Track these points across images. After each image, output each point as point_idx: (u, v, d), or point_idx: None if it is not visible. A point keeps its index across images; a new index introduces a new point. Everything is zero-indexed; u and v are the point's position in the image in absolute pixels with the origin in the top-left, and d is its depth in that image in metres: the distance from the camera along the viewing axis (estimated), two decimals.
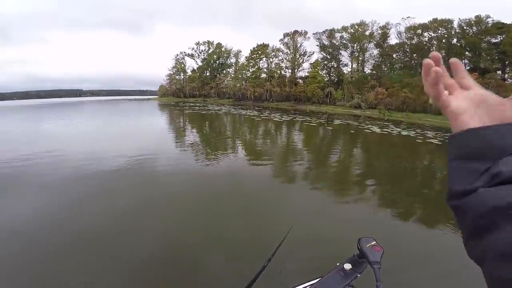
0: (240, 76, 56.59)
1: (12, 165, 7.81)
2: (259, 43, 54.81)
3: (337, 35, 48.72)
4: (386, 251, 0.96)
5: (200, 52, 62.28)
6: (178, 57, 62.45)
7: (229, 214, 4.91)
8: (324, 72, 50.25)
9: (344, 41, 48.41)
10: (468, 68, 39.39)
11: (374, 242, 1.02)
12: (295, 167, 8.73)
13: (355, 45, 47.42)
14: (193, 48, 62.26)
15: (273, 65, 54.62)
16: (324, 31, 49.75)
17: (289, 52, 52.85)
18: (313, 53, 51.66)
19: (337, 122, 24.39)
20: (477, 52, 38.36)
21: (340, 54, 49.45)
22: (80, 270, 3.27)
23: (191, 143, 12.06)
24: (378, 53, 46.59)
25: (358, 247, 1.02)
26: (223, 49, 60.63)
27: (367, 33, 46.15)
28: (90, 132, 15.58)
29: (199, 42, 62.13)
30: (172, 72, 62.76)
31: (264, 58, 54.74)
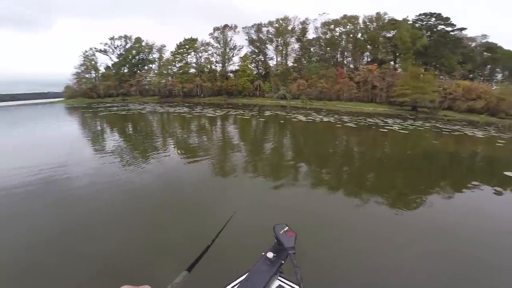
0: (165, 72, 52.46)
1: None
2: (186, 38, 52.05)
3: (264, 29, 50.59)
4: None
5: (116, 48, 54.79)
6: (87, 53, 53.35)
7: (170, 218, 4.40)
8: (253, 65, 51.53)
9: (270, 35, 50.61)
10: (369, 59, 46.62)
11: (287, 227, 1.05)
12: (235, 159, 8.49)
13: (279, 39, 50.01)
14: (106, 44, 54.39)
15: (203, 60, 52.82)
16: (252, 25, 51.03)
17: (219, 46, 52.13)
18: (243, 47, 52.32)
19: (267, 113, 25.21)
20: (376, 45, 45.52)
21: (267, 48, 51.61)
22: None
23: (112, 149, 9.89)
24: (298, 47, 50.33)
25: (274, 235, 1.04)
26: (143, 43, 54.92)
27: (289, 27, 49.13)
28: None
29: (113, 37, 54.59)
30: (80, 71, 53.22)
31: (193, 53, 52.37)
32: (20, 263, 3.21)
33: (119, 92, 52.56)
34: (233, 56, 52.42)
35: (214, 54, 52.59)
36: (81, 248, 3.49)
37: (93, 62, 53.95)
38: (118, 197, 5.24)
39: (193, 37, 52.16)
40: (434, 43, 40.91)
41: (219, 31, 51.48)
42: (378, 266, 3.18)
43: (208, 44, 52.04)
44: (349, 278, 2.97)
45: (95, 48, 53.89)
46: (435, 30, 42.72)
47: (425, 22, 43.50)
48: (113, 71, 54.00)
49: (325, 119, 20.39)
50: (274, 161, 8.54)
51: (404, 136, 14.46)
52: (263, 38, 50.84)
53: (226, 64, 52.34)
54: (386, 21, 44.58)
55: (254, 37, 51.13)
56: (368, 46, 46.39)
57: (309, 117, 21.38)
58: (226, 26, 51.15)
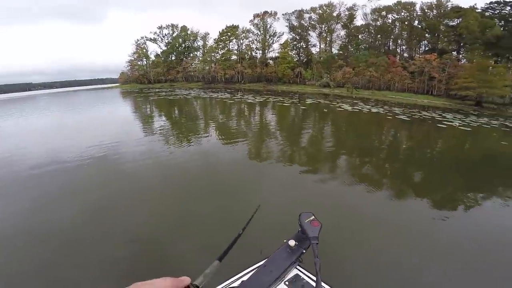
0: (209, 59, 54.09)
1: None
2: (228, 25, 52.59)
3: (306, 15, 48.56)
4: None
5: (164, 36, 58.13)
6: (139, 42, 57.60)
7: (205, 196, 4.81)
8: (293, 52, 50.04)
9: (313, 22, 48.42)
10: (427, 49, 41.93)
11: (313, 217, 1.00)
12: (271, 145, 8.50)
13: (323, 25, 47.66)
14: (155, 33, 57.91)
15: (244, 47, 53.12)
16: (293, 12, 49.25)
17: (259, 33, 51.78)
18: (283, 33, 51.19)
19: (309, 101, 24.46)
20: (436, 34, 40.74)
21: (309, 34, 49.55)
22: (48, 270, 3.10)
23: (159, 130, 11.06)
24: (345, 34, 47.34)
25: (299, 223, 0.99)
26: (189, 32, 57.23)
27: (334, 14, 46.48)
28: (46, 128, 13.78)
29: (161, 26, 57.82)
30: (133, 58, 57.87)
31: (234, 40, 52.84)
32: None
33: (167, 78, 56.24)
34: (273, 43, 51.73)
35: (255, 41, 52.44)
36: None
37: (144, 50, 58.01)
38: (157, 172, 5.99)
39: (234, 24, 52.49)
40: (510, 33, 34.87)
41: (258, 18, 50.83)
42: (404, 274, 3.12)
43: (248, 31, 51.92)
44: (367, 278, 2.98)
45: (145, 37, 57.75)
46: (510, 19, 36.41)
47: (497, 11, 37.41)
48: (162, 58, 57.51)
49: (374, 110, 19.02)
50: (311, 151, 8.32)
51: (465, 133, 12.64)
52: (305, 24, 48.82)
53: (266, 51, 51.93)
54: (448, 8, 39.51)
55: (295, 23, 49.36)
56: (427, 35, 41.74)
57: (355, 107, 20.19)
58: (265, 12, 50.29)
